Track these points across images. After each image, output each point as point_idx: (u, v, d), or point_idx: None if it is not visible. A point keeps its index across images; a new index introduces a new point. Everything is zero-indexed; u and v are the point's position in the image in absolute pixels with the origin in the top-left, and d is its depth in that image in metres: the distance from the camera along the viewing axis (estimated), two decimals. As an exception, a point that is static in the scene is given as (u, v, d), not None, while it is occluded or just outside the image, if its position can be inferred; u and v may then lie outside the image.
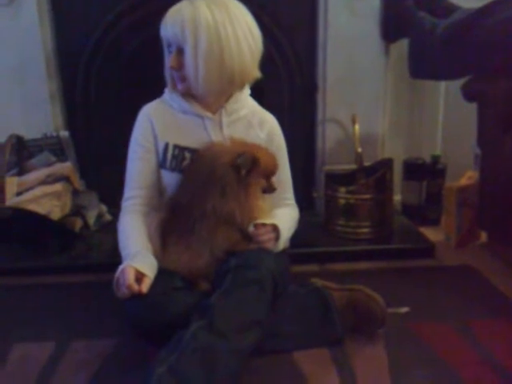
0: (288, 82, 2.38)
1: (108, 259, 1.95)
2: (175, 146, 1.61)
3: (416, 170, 2.46)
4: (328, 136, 2.40)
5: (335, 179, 2.25)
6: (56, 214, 2.07)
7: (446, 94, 2.51)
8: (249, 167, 1.46)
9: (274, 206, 1.64)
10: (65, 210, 2.13)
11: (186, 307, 1.38)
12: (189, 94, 1.61)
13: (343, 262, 2.06)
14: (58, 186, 2.12)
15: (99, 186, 2.37)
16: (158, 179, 1.64)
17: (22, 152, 2.20)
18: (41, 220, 2.02)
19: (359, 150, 2.20)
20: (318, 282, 1.62)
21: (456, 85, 2.11)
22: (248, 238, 1.49)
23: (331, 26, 2.25)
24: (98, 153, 2.43)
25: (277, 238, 1.53)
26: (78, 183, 2.27)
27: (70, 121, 2.40)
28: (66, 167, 2.22)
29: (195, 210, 1.47)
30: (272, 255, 1.47)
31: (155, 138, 1.63)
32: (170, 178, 1.61)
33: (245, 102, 1.67)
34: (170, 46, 1.54)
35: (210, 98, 1.61)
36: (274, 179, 1.56)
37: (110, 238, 2.10)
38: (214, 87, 1.55)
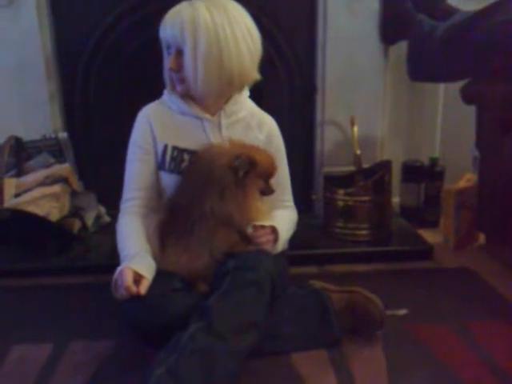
0: (287, 83, 2.39)
1: (106, 261, 1.96)
2: (174, 148, 1.61)
3: (414, 172, 2.46)
4: (327, 138, 2.40)
5: (334, 181, 2.25)
6: (54, 216, 2.07)
7: (444, 96, 2.52)
8: (247, 169, 1.45)
9: (272, 208, 1.64)
10: (63, 212, 2.13)
11: (185, 309, 1.38)
12: (188, 96, 1.61)
13: (342, 263, 2.06)
14: (56, 188, 2.12)
15: (98, 188, 2.37)
16: (157, 181, 1.63)
17: (21, 153, 2.20)
18: (39, 221, 2.02)
19: (358, 152, 2.20)
20: (316, 283, 1.62)
21: (455, 87, 2.12)
22: (247, 239, 1.49)
23: (330, 28, 2.25)
24: (96, 154, 2.43)
25: (275, 239, 1.53)
26: (77, 185, 2.27)
27: (69, 122, 2.40)
28: (65, 168, 2.22)
29: (194, 211, 1.47)
30: (270, 257, 1.47)
31: (154, 139, 1.63)
32: (169, 180, 1.61)
33: (244, 104, 1.67)
34: (169, 47, 1.54)
35: (209, 100, 1.61)
36: (273, 181, 1.56)
37: (108, 239, 2.10)
38: (213, 89, 1.55)
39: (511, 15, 1.83)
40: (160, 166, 1.62)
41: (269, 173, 1.54)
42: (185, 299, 1.42)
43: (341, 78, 2.31)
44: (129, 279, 1.37)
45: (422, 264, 2.06)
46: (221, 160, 1.46)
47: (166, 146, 1.61)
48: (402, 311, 1.64)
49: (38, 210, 2.03)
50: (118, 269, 1.42)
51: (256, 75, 1.60)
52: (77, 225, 2.21)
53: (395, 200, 2.47)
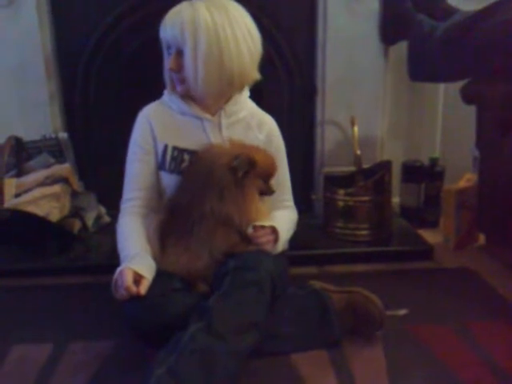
0: (287, 83, 2.39)
1: (106, 261, 1.96)
2: (174, 148, 1.61)
3: (415, 173, 2.46)
4: (327, 138, 2.40)
5: (334, 181, 2.25)
6: (55, 216, 2.07)
7: (444, 96, 2.52)
8: (246, 169, 1.45)
9: (272, 208, 1.64)
10: (63, 212, 2.13)
11: (185, 309, 1.38)
12: (188, 96, 1.61)
13: (342, 264, 2.06)
14: (56, 188, 2.12)
15: (98, 188, 2.37)
16: (157, 181, 1.64)
17: (21, 153, 2.20)
18: (39, 221, 2.02)
19: (358, 152, 2.20)
20: (316, 284, 1.62)
21: (455, 87, 2.12)
22: (247, 239, 1.49)
23: (330, 28, 2.25)
24: (96, 154, 2.43)
25: (276, 240, 1.53)
26: (77, 185, 2.27)
27: (69, 122, 2.39)
28: (65, 169, 2.22)
29: (194, 211, 1.47)
30: (271, 257, 1.47)
31: (154, 139, 1.63)
32: (169, 180, 1.61)
33: (244, 104, 1.67)
34: (169, 47, 1.54)
35: (209, 100, 1.61)
36: (273, 181, 1.56)
37: (108, 239, 2.10)
38: (213, 89, 1.55)
39: (511, 15, 1.84)
40: (160, 166, 1.62)
41: (269, 173, 1.54)
42: (185, 299, 1.42)
43: (341, 78, 2.31)
44: (129, 279, 1.37)
45: (422, 264, 2.06)
46: (220, 160, 1.46)
47: (166, 146, 1.62)
48: (402, 311, 1.64)
49: (38, 210, 2.03)
50: (118, 269, 1.42)
51: (256, 75, 1.60)
52: (77, 225, 2.21)
53: (395, 200, 2.47)
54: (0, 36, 2.20)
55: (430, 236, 2.25)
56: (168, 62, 1.56)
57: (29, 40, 2.21)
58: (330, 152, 2.41)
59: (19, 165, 2.19)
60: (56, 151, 2.28)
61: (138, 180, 1.63)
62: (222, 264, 1.45)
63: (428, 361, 1.44)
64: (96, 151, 2.43)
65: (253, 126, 1.67)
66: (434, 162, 2.43)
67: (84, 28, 2.27)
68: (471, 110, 2.05)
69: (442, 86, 2.50)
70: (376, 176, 2.16)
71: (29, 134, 2.25)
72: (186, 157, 1.60)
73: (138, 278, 1.39)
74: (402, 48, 2.28)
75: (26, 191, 2.09)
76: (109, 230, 2.12)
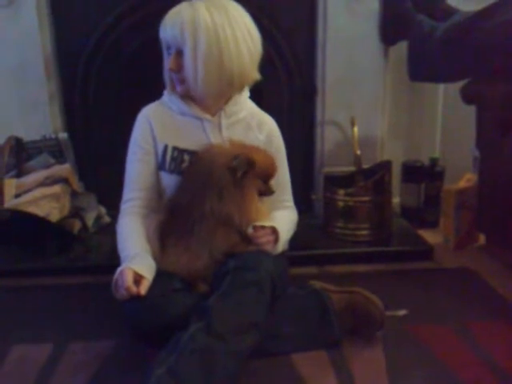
0: (287, 83, 2.38)
1: (106, 261, 1.96)
2: (174, 148, 1.61)
3: (415, 173, 2.46)
4: (327, 138, 2.40)
5: (334, 181, 2.25)
6: (55, 216, 2.07)
7: (444, 96, 2.52)
8: (245, 169, 1.45)
9: (272, 209, 1.64)
10: (63, 212, 2.13)
11: (185, 309, 1.38)
12: (188, 96, 1.62)
13: (342, 264, 2.05)
14: (56, 188, 2.12)
15: (98, 188, 2.37)
16: (157, 181, 1.64)
17: (21, 154, 2.20)
18: (39, 222, 2.02)
19: (358, 152, 2.20)
20: (316, 284, 1.62)
21: (455, 87, 2.12)
22: (247, 239, 1.49)
23: (330, 28, 2.25)
24: (96, 155, 2.43)
25: (276, 240, 1.53)
26: (77, 185, 2.27)
27: (69, 122, 2.39)
28: (65, 169, 2.22)
29: (194, 211, 1.48)
30: (271, 257, 1.47)
31: (154, 139, 1.63)
32: (169, 180, 1.61)
33: (244, 104, 1.67)
34: (169, 47, 1.54)
35: (209, 100, 1.61)
36: (273, 181, 1.56)
37: (108, 239, 2.10)
38: (213, 89, 1.55)
39: (511, 16, 1.84)
40: (160, 166, 1.62)
41: (268, 173, 1.54)
42: (185, 299, 1.42)
43: (341, 79, 2.31)
44: (129, 279, 1.37)
45: (422, 264, 2.06)
46: (220, 160, 1.46)
47: (166, 147, 1.62)
48: (402, 312, 1.64)
49: (38, 210, 2.02)
50: (119, 269, 1.42)
51: (256, 75, 1.60)
52: (77, 225, 2.21)
53: (395, 200, 2.47)
54: (0, 36, 2.20)
55: (430, 236, 2.25)
56: (168, 62, 1.56)
57: (29, 40, 2.20)
58: (330, 152, 2.41)
59: (19, 165, 2.19)
60: (56, 151, 2.28)
61: (138, 180, 1.63)
62: (222, 264, 1.45)
63: (428, 361, 1.44)
64: (96, 151, 2.43)
65: (253, 126, 1.67)
66: (434, 162, 2.44)
67: (84, 28, 2.27)
68: (471, 110, 2.05)
69: (441, 86, 2.50)
70: (376, 176, 2.16)
71: (29, 134, 2.24)
72: (186, 157, 1.60)
73: (138, 278, 1.40)
74: (401, 48, 2.28)
75: (26, 191, 2.09)
76: (109, 231, 2.13)
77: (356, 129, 2.21)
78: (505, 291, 1.81)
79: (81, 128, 2.40)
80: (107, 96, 2.36)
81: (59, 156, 2.28)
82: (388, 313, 1.54)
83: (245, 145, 1.55)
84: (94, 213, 2.29)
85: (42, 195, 2.07)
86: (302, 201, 2.22)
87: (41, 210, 2.03)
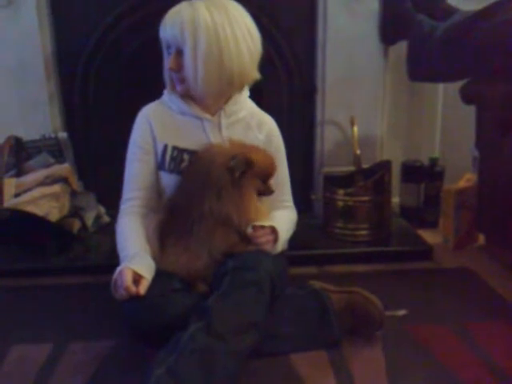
0: (287, 83, 2.38)
1: (106, 261, 1.96)
2: (174, 148, 1.61)
3: (414, 173, 2.46)
4: (327, 138, 2.40)
5: (334, 181, 2.25)
6: (54, 216, 2.07)
7: (444, 96, 2.52)
8: (243, 169, 1.45)
9: (272, 208, 1.64)
10: (63, 212, 2.13)
11: (184, 309, 1.38)
12: (188, 96, 1.62)
13: (341, 264, 2.05)
14: (56, 188, 2.12)
15: (97, 188, 2.37)
16: (157, 181, 1.64)
17: (21, 153, 2.20)
18: (39, 221, 2.02)
19: (358, 152, 2.20)
20: (316, 284, 1.62)
21: (454, 87, 2.12)
22: (246, 239, 1.49)
23: (330, 28, 2.25)
24: (96, 154, 2.43)
25: (275, 240, 1.53)
26: (76, 184, 2.27)
27: (69, 122, 2.39)
28: (65, 168, 2.22)
29: (193, 211, 1.48)
30: (270, 257, 1.47)
31: (154, 139, 1.63)
32: (169, 180, 1.61)
33: (244, 104, 1.67)
34: (169, 47, 1.54)
35: (209, 100, 1.61)
36: (272, 181, 1.56)
37: (108, 239, 2.10)
38: (213, 89, 1.55)
39: (511, 15, 1.83)
40: (160, 166, 1.62)
41: (267, 173, 1.54)
42: (184, 299, 1.43)
43: (341, 78, 2.31)
44: (128, 279, 1.37)
45: (421, 264, 2.06)
46: (219, 160, 1.46)
47: (165, 146, 1.62)
48: (402, 312, 1.64)
49: (38, 209, 2.02)
50: (118, 269, 1.42)
51: (256, 75, 1.60)
52: (76, 225, 2.21)
53: (395, 200, 2.47)
54: (0, 36, 2.20)
55: (429, 236, 2.25)
56: (168, 62, 1.56)
57: (29, 40, 2.20)
58: (330, 152, 2.41)
59: (19, 164, 2.19)
60: (56, 151, 2.28)
61: (138, 180, 1.63)
62: (221, 264, 1.45)
63: (427, 361, 1.44)
64: (96, 151, 2.43)
65: (252, 125, 1.67)
66: (433, 161, 2.43)
67: (84, 28, 2.27)
68: (471, 110, 2.05)
69: (441, 86, 2.50)
70: (376, 176, 2.16)
71: (28, 133, 2.24)
72: (186, 157, 1.60)
73: (137, 278, 1.40)
74: (401, 48, 2.28)
75: (26, 191, 2.09)
76: (108, 230, 2.12)
77: (356, 128, 2.21)
78: (504, 291, 1.81)
79: (80, 128, 2.40)
80: (107, 96, 2.36)
81: (59, 155, 2.28)
82: (387, 313, 1.54)
83: (244, 144, 1.55)
84: (93, 212, 2.29)
85: (41, 195, 2.07)
86: (302, 200, 2.21)
87: (40, 209, 2.03)
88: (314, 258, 2.08)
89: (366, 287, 1.56)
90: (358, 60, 2.30)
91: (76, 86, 2.34)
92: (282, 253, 1.60)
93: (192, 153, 1.59)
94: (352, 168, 2.24)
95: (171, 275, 1.48)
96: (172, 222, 1.54)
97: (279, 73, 2.36)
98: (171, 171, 1.61)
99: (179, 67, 1.53)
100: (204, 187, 1.46)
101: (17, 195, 2.07)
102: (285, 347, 1.47)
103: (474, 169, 2.19)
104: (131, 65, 2.32)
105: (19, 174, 2.16)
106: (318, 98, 2.37)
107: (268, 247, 1.51)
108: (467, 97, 2.02)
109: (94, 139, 2.42)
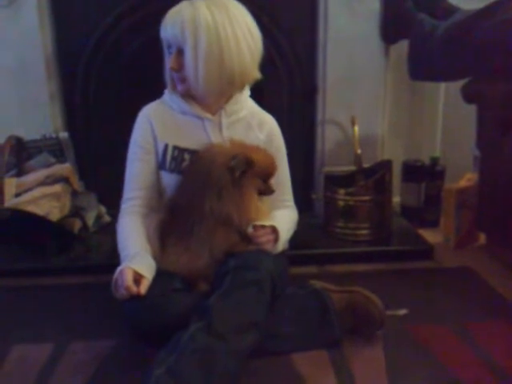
0: (288, 83, 2.38)
1: (107, 260, 1.95)
2: (175, 148, 1.61)
3: (415, 172, 2.46)
4: (327, 137, 2.40)
5: (334, 181, 2.25)
6: (55, 215, 2.07)
7: (445, 95, 2.51)
8: (243, 169, 1.46)
9: (273, 208, 1.64)
10: (64, 211, 2.13)
11: (185, 309, 1.38)
12: (188, 95, 1.62)
13: (342, 263, 2.05)
14: (57, 187, 2.12)
15: (98, 187, 2.37)
16: (158, 180, 1.64)
17: (21, 153, 2.20)
18: (39, 221, 2.02)
19: (358, 151, 2.20)
20: (316, 283, 1.62)
21: (455, 86, 2.11)
22: (247, 239, 1.49)
23: (331, 28, 2.25)
24: (97, 154, 2.43)
25: (276, 239, 1.53)
26: (77, 184, 2.27)
27: (70, 122, 2.39)
28: (65, 168, 2.22)
29: (194, 211, 1.48)
30: (271, 257, 1.47)
31: (155, 139, 1.63)
32: (170, 179, 1.61)
33: (244, 104, 1.67)
34: (169, 47, 1.55)
35: (210, 99, 1.61)
36: (273, 181, 1.56)
37: (108, 239, 2.10)
38: (213, 88, 1.55)
39: (511, 14, 1.84)
40: (161, 165, 1.63)
41: (268, 172, 1.54)
42: (185, 299, 1.42)
43: (341, 78, 2.31)
44: (129, 279, 1.37)
45: (422, 264, 2.05)
46: (219, 160, 1.46)
47: (166, 146, 1.62)
48: (402, 311, 1.64)
49: (39, 209, 2.03)
50: (119, 268, 1.42)
51: (257, 74, 1.60)
52: (77, 225, 2.21)
53: (396, 199, 2.47)
54: (0, 36, 2.20)
55: (430, 235, 2.25)
56: (168, 62, 1.56)
57: (29, 40, 2.20)
58: (331, 151, 2.41)
59: (19, 164, 2.19)
60: (56, 151, 2.28)
61: (139, 179, 1.63)
62: (222, 263, 1.45)
63: (427, 361, 1.44)
64: (96, 151, 2.43)
65: (253, 125, 1.67)
66: (434, 161, 2.43)
67: (84, 28, 2.27)
68: (472, 110, 2.05)
69: (442, 85, 2.50)
70: (376, 175, 2.16)
71: (29, 133, 2.24)
72: (187, 156, 1.61)
73: (138, 278, 1.40)
74: (402, 47, 2.28)
75: (27, 191, 2.09)
76: (109, 230, 2.12)
77: (356, 128, 2.21)
78: (505, 291, 1.81)
79: (81, 127, 2.40)
80: (107, 96, 2.36)
81: (59, 155, 2.28)
82: (388, 312, 1.54)
83: (245, 144, 1.55)
84: (94, 212, 2.29)
85: (42, 194, 2.07)
86: (303, 200, 2.20)
87: (41, 209, 2.03)
88: (314, 257, 2.08)
89: (367, 287, 1.56)
90: (358, 59, 2.30)
91: (77, 85, 2.34)
92: (283, 252, 1.60)
93: (193, 152, 1.59)
94: (353, 167, 2.24)
95: (172, 275, 1.48)
96: (173, 221, 1.54)
97: (280, 72, 2.36)
98: (172, 171, 1.61)
99: (180, 67, 1.53)
100: (205, 187, 1.46)
101: (17, 195, 2.07)
102: (285, 347, 1.47)
103: (474, 168, 2.19)
104: (132, 65, 2.31)
105: (20, 174, 2.17)
106: (319, 97, 2.37)
107: (269, 247, 1.51)
108: (468, 96, 2.02)
109: (94, 139, 2.42)
